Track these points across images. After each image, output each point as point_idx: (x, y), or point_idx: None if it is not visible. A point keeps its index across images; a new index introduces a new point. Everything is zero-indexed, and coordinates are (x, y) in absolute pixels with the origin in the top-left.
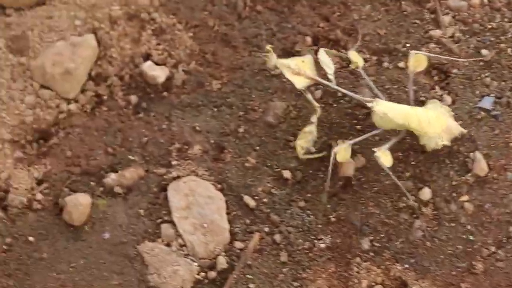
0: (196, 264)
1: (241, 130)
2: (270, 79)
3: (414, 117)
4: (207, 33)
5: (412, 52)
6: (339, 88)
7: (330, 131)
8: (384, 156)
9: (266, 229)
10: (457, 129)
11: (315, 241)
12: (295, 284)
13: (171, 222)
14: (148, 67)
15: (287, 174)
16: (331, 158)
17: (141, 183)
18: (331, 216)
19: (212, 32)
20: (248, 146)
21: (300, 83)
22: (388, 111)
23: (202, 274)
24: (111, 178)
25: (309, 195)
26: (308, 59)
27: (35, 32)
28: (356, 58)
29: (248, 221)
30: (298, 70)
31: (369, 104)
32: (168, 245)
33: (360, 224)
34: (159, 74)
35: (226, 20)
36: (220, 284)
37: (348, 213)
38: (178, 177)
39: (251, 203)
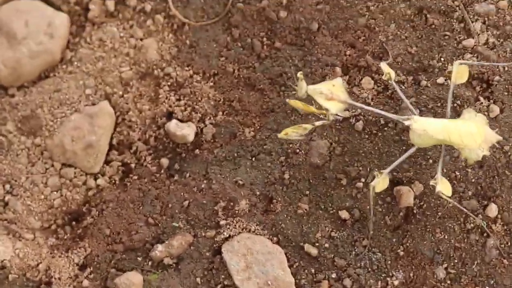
0: None
1: (286, 176)
2: (305, 117)
3: (454, 130)
4: (228, 80)
5: (456, 62)
6: (374, 109)
7: (380, 162)
8: (442, 185)
9: (334, 275)
10: (494, 136)
11: (388, 278)
12: None
13: (233, 286)
14: (173, 126)
15: (344, 214)
16: (370, 192)
17: (192, 250)
18: (399, 250)
19: (234, 78)
20: (297, 192)
21: (335, 107)
22: (427, 127)
23: None
24: (158, 250)
25: (371, 232)
26: (338, 82)
27: (45, 108)
28: (387, 69)
29: (313, 270)
30: (331, 95)
31: (406, 123)
32: None
33: (431, 253)
34: (187, 132)
35: (246, 63)
36: None
37: (415, 244)
38: (230, 237)
39: (313, 251)
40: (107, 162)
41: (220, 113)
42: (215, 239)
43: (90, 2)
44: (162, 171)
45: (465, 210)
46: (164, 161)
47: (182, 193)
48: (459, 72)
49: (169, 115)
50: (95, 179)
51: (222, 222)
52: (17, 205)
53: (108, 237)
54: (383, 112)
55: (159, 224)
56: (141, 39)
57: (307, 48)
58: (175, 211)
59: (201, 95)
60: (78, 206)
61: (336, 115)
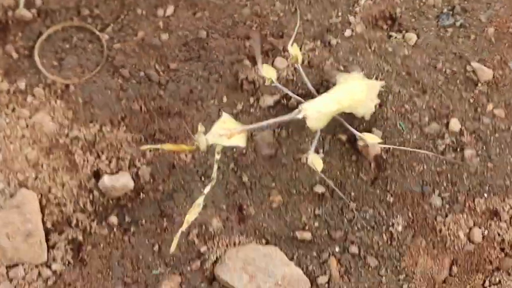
0: None
1: (245, 179)
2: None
3: (342, 96)
4: (139, 118)
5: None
6: (269, 121)
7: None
8: (314, 160)
9: (337, 249)
10: (377, 84)
11: (390, 228)
12: (400, 276)
13: None
14: (108, 180)
15: (319, 189)
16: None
17: (185, 287)
18: (387, 198)
19: (144, 114)
20: (263, 188)
21: (240, 141)
22: (319, 108)
23: None
24: None
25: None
26: (226, 117)
27: None
28: (295, 51)
29: (314, 253)
30: (230, 132)
31: (299, 116)
32: None
33: (419, 187)
34: (125, 180)
35: (150, 95)
36: None
37: (400, 185)
38: (218, 259)
39: (306, 235)
40: (51, 247)
41: (147, 151)
42: (204, 267)
43: None
44: (115, 229)
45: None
46: (113, 219)
47: (146, 240)
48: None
49: (96, 175)
50: (48, 267)
51: (203, 249)
52: None
53: None
54: (277, 120)
55: (139, 280)
56: (30, 117)
57: (205, 57)
58: (148, 260)
59: (119, 143)
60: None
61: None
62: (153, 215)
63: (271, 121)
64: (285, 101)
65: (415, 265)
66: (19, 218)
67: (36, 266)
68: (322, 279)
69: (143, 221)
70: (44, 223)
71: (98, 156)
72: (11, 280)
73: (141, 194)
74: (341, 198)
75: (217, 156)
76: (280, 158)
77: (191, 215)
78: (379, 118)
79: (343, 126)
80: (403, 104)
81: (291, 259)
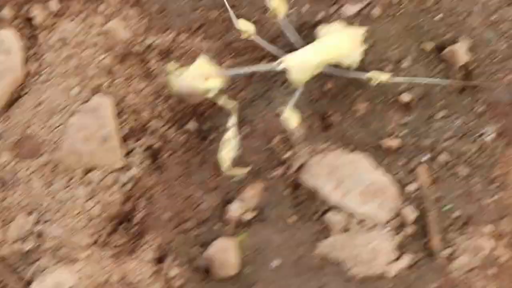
0: (388, 229)
1: (329, 86)
2: None
3: (326, 46)
4: (217, 28)
5: None
6: (247, 69)
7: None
8: (291, 116)
9: (426, 157)
10: (359, 31)
11: (481, 137)
12: (492, 186)
13: (333, 208)
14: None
15: (405, 97)
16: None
17: (269, 194)
18: (476, 108)
19: (221, 23)
20: (348, 96)
21: (216, 84)
22: (302, 59)
23: (401, 234)
24: (233, 209)
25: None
26: (202, 59)
27: (35, 126)
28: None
29: (401, 163)
30: (208, 74)
31: (279, 67)
32: (346, 230)
33: (510, 95)
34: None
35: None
36: (422, 231)
37: (489, 95)
38: (302, 165)
39: (393, 143)
40: (127, 153)
41: (225, 59)
42: (287, 173)
43: (29, 10)
44: (193, 136)
45: None
46: (191, 126)
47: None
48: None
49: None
50: (127, 171)
51: (287, 155)
52: (53, 231)
53: (171, 221)
54: (254, 68)
55: (220, 185)
56: (102, 25)
57: None
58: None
59: (195, 52)
60: (119, 206)
61: None
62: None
63: (249, 69)
64: (368, 10)
65: (508, 175)
66: (95, 122)
67: (113, 171)
68: (411, 187)
69: (222, 128)
70: (119, 129)
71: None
72: (87, 185)
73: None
74: (429, 106)
75: (220, 100)
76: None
77: (228, 151)
78: (466, 28)
79: (429, 34)
80: (491, 14)
81: (378, 166)
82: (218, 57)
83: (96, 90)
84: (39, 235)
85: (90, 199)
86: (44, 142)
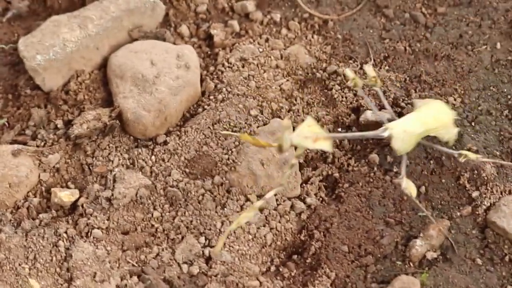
0: None
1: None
2: None
3: (427, 117)
4: (404, 59)
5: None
6: (354, 134)
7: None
8: (409, 185)
9: None
10: (452, 113)
11: None
12: None
13: None
14: (370, 115)
15: None
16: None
17: (454, 234)
18: None
19: (409, 55)
20: None
21: (325, 146)
22: (405, 128)
23: None
24: (417, 245)
25: None
26: (311, 121)
27: (212, 144)
28: (372, 72)
29: None
30: (315, 136)
31: (385, 134)
32: None
33: None
34: (390, 117)
35: (415, 37)
36: None
37: None
38: (492, 205)
39: None
40: (304, 181)
41: (412, 91)
42: (475, 213)
43: (209, 28)
44: (375, 168)
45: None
46: (374, 157)
47: (412, 182)
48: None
49: (355, 111)
50: (302, 200)
51: (475, 194)
52: (223, 256)
53: (349, 253)
54: (361, 134)
55: (403, 221)
56: (284, 49)
57: (476, 2)
58: (413, 202)
59: (381, 82)
60: (294, 235)
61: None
62: (417, 157)
63: (356, 134)
64: None
65: None
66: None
67: (289, 199)
68: None
69: (407, 162)
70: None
71: (356, 93)
72: (261, 210)
73: None
74: None
75: (295, 161)
76: None
77: (243, 219)
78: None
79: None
80: None
81: None
82: (405, 90)
83: (274, 114)
84: (208, 259)
85: (263, 225)
86: (219, 162)
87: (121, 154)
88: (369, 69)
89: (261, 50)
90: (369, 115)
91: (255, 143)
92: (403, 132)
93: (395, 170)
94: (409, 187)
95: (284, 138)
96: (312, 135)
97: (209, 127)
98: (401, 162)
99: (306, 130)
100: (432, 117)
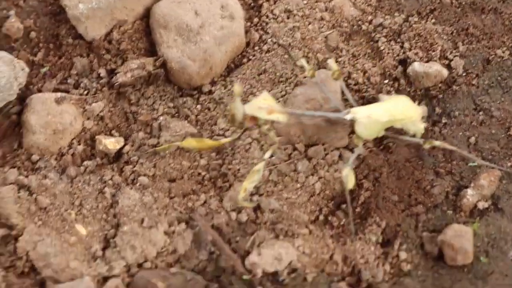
0: None
1: None
2: None
3: (394, 108)
4: (450, 12)
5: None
6: (314, 113)
7: None
8: (349, 176)
9: None
10: (421, 110)
11: None
12: None
13: None
14: (418, 67)
15: None
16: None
17: (505, 184)
18: None
19: (455, 8)
20: None
21: (280, 118)
22: (370, 113)
23: None
24: (469, 195)
25: None
26: (266, 95)
27: (256, 93)
28: (335, 66)
29: None
30: (271, 108)
31: (347, 117)
32: None
33: None
34: (437, 68)
35: None
36: None
37: None
38: None
39: None
40: (352, 132)
41: (460, 43)
42: None
43: None
44: (423, 119)
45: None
46: (422, 108)
47: (460, 133)
48: None
49: (402, 63)
50: (350, 150)
51: None
52: (272, 204)
53: (399, 203)
54: (323, 113)
55: (453, 171)
56: (330, 1)
57: None
58: (463, 152)
59: (428, 34)
60: (342, 185)
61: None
62: (466, 108)
63: (315, 113)
64: None
65: None
66: (322, 95)
67: (337, 148)
68: None
69: (456, 113)
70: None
71: (403, 45)
72: (309, 159)
73: (453, 86)
74: None
75: (266, 127)
76: None
77: (251, 183)
78: None
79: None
80: None
81: None
82: (452, 42)
83: (320, 65)
84: (257, 207)
85: (311, 174)
86: None
87: (165, 103)
88: (331, 62)
89: (305, 2)
90: (417, 66)
91: (201, 145)
92: (367, 118)
93: (444, 121)
94: (349, 177)
95: (236, 107)
96: (267, 107)
97: (254, 77)
98: (353, 152)
99: (261, 101)
100: (399, 110)
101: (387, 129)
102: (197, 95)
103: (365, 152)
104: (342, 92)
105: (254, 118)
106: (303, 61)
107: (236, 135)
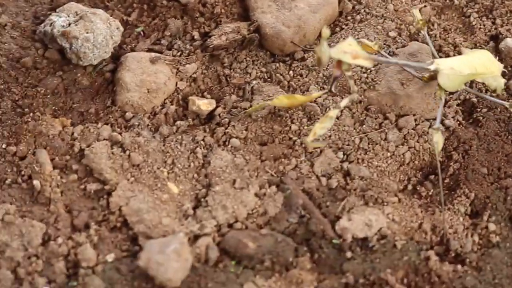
0: None
1: None
2: None
3: (477, 61)
4: None
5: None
6: (398, 61)
7: None
8: (437, 138)
9: None
10: (500, 65)
11: None
12: None
13: None
14: (511, 42)
15: None
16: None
17: None
18: None
19: None
20: None
21: (366, 63)
22: (453, 65)
23: None
24: None
25: None
26: (351, 40)
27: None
28: (419, 15)
29: None
30: (356, 53)
31: (431, 67)
32: None
33: None
34: None
35: None
36: None
37: None
38: None
39: None
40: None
41: None
42: None
43: None
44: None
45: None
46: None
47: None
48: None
49: (494, 39)
50: (440, 122)
51: None
52: (362, 171)
53: (489, 175)
54: (405, 62)
55: None
56: None
57: None
58: None
59: None
60: (431, 156)
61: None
62: None
63: (399, 61)
64: None
65: None
66: (413, 68)
67: (427, 120)
68: None
69: None
70: None
71: (493, 22)
72: (400, 129)
73: None
74: None
75: (348, 73)
76: None
77: (321, 128)
78: None
79: None
80: None
81: None
82: None
83: (411, 38)
84: (347, 173)
85: (402, 144)
86: (358, 80)
87: (258, 68)
88: (416, 12)
89: None
90: (509, 42)
91: (291, 101)
92: (450, 69)
93: None
94: (437, 139)
95: (323, 50)
96: (352, 51)
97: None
98: (438, 109)
99: (346, 46)
100: (481, 64)
101: (470, 86)
102: (289, 61)
103: (454, 124)
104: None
105: (339, 63)
106: (414, 11)
107: (327, 90)
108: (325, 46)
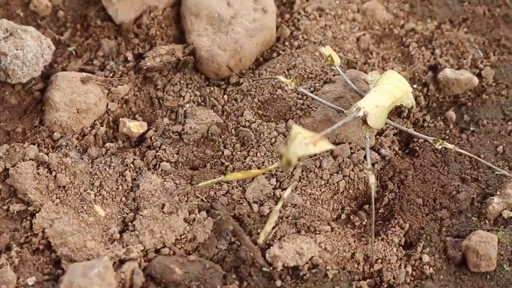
0: None
1: None
2: None
3: (391, 88)
4: (482, 23)
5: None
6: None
7: None
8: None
9: None
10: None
11: None
12: None
13: None
14: (449, 73)
15: None
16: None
17: None
18: None
19: (488, 19)
20: None
21: (327, 146)
22: (376, 103)
23: None
24: (495, 203)
25: None
26: (296, 127)
27: (286, 88)
28: (327, 51)
29: None
30: (314, 139)
31: (359, 114)
32: None
33: None
34: (468, 75)
35: (495, 2)
36: None
37: None
38: None
39: None
40: (378, 134)
41: (491, 54)
42: None
43: None
44: (451, 125)
45: None
46: (451, 115)
47: (488, 141)
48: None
49: (433, 69)
50: (376, 151)
51: None
52: (294, 198)
53: (424, 206)
54: (342, 122)
55: (479, 178)
56: (362, 3)
57: None
58: (490, 161)
59: (459, 42)
60: (365, 185)
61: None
62: (495, 118)
63: (338, 124)
64: None
65: None
66: (349, 94)
67: (363, 148)
68: None
69: (484, 121)
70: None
71: (434, 52)
72: (335, 157)
73: (483, 95)
74: None
75: (301, 163)
76: None
77: (270, 224)
78: None
79: None
80: None
81: None
82: (484, 52)
83: (351, 65)
84: (279, 200)
85: (336, 172)
86: (293, 106)
87: (192, 91)
88: (324, 50)
89: (338, 2)
90: (448, 72)
91: (246, 176)
92: (375, 108)
93: (471, 128)
94: (373, 180)
95: (291, 152)
96: (310, 140)
97: (284, 72)
98: (366, 148)
99: (301, 137)
100: (395, 88)
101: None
102: (224, 86)
103: (390, 154)
104: None
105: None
106: (322, 49)
107: (279, 163)
108: (296, 146)
